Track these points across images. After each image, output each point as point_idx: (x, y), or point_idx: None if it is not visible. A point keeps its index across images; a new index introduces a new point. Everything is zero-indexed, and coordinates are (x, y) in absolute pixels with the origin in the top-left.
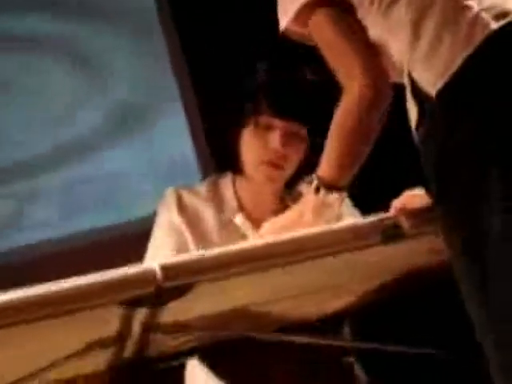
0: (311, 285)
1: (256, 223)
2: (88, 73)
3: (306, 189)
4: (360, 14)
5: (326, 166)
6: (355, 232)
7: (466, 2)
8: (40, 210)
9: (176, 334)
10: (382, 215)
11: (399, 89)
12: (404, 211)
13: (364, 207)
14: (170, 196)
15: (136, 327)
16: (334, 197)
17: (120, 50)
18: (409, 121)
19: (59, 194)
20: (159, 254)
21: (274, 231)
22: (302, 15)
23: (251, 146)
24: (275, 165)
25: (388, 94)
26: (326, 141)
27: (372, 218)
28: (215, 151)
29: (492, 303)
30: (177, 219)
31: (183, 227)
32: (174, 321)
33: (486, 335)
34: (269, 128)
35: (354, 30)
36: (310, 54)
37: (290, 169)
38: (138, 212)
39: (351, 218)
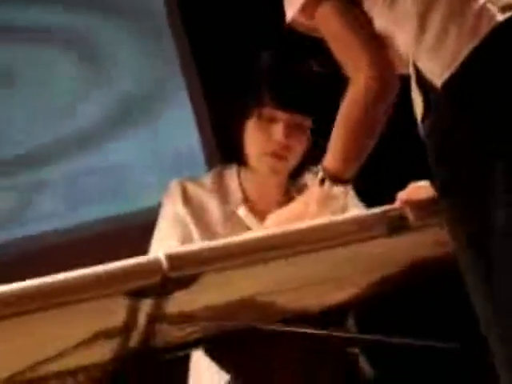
0: (316, 276)
1: (261, 215)
2: (93, 64)
3: (311, 180)
4: (366, 5)
5: (332, 158)
6: (360, 224)
7: None
8: (45, 201)
9: (181, 324)
10: (387, 207)
11: (405, 81)
12: (409, 203)
13: (369, 199)
14: (174, 188)
15: (142, 317)
16: (339, 189)
17: (125, 41)
18: (414, 112)
19: (64, 185)
20: (164, 245)
21: (279, 223)
22: (309, 7)
23: (255, 138)
24: (279, 156)
25: (394, 86)
26: (330, 132)
27: (377, 210)
28: (221, 142)
29: (497, 297)
30: (182, 211)
31: (188, 219)
32: (180, 311)
33: (491, 329)
34: (272, 120)
35: (361, 22)
36: (313, 46)
37: (293, 160)
38: (143, 203)
39: (356, 209)
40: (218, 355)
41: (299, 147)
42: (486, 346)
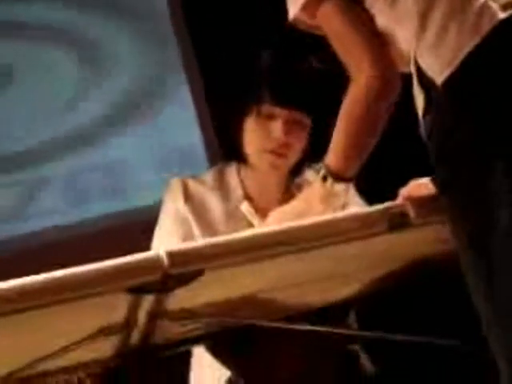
0: (319, 273)
1: (262, 212)
2: (93, 62)
3: (312, 177)
4: (368, 3)
5: (333, 156)
6: (362, 220)
7: None
8: (46, 198)
9: (183, 320)
10: (388, 204)
11: (406, 79)
12: (411, 200)
13: (371, 196)
14: (175, 185)
15: (143, 314)
16: (340, 186)
17: (126, 39)
18: (416, 109)
19: (65, 182)
20: (165, 242)
21: (281, 220)
22: (311, 5)
23: (254, 136)
24: (278, 154)
25: (396, 85)
26: (329, 128)
27: (379, 207)
28: (222, 140)
29: (498, 297)
30: (183, 208)
31: (189, 216)
32: (181, 308)
33: (491, 329)
34: (271, 117)
35: (363, 20)
36: (312, 43)
37: (293, 157)
38: (144, 200)
39: (356, 206)
40: (220, 352)
41: (299, 144)
42: (486, 344)
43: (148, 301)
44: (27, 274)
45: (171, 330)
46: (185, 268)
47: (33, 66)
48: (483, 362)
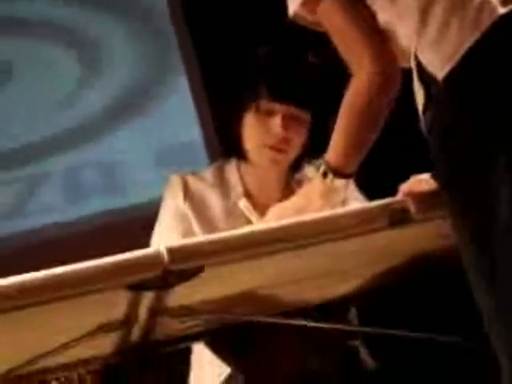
0: (319, 269)
1: (262, 208)
2: (92, 60)
3: (312, 173)
4: (369, 0)
5: (334, 151)
6: (362, 216)
7: None
8: (46, 194)
9: (183, 317)
10: (389, 199)
11: (407, 74)
12: (411, 195)
13: (371, 192)
14: (175, 181)
15: (143, 310)
16: (340, 182)
17: (126, 37)
18: (416, 105)
19: (64, 178)
20: (165, 238)
21: (281, 216)
22: (311, 1)
23: (253, 131)
24: (278, 149)
25: (397, 80)
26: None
27: (379, 202)
28: (222, 136)
29: (500, 294)
30: (182, 205)
31: (189, 213)
32: (181, 304)
33: (493, 325)
34: (270, 113)
35: (364, 17)
36: (310, 39)
37: (293, 152)
38: (144, 196)
39: (356, 201)
40: (220, 349)
41: (298, 139)
42: (488, 340)
43: (148, 297)
44: (27, 271)
45: (171, 326)
46: (185, 264)
47: (32, 62)
48: (484, 359)
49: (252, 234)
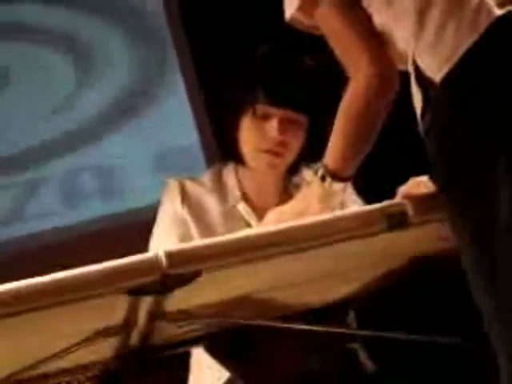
0: (318, 272)
1: (260, 212)
2: (90, 62)
3: (310, 177)
4: (365, 2)
5: (332, 155)
6: (361, 219)
7: None
8: (45, 199)
9: (181, 321)
10: (387, 202)
11: (405, 77)
12: (410, 198)
13: (369, 195)
14: (173, 186)
15: (142, 315)
16: (339, 186)
17: (122, 40)
18: (414, 108)
19: (63, 183)
20: (163, 242)
21: (279, 220)
22: (308, 5)
23: (250, 135)
24: (275, 153)
25: (394, 83)
26: (325, 127)
27: (378, 205)
28: (220, 140)
29: (500, 294)
30: (180, 209)
31: (187, 217)
32: (180, 309)
33: (493, 325)
34: (266, 117)
35: (360, 20)
36: (307, 43)
37: (290, 156)
38: (142, 201)
39: (353, 204)
40: (219, 353)
41: (295, 143)
42: (488, 341)
43: (147, 302)
44: (26, 276)
45: (170, 331)
46: (184, 268)
47: (30, 67)
48: (485, 359)
49: (250, 238)
